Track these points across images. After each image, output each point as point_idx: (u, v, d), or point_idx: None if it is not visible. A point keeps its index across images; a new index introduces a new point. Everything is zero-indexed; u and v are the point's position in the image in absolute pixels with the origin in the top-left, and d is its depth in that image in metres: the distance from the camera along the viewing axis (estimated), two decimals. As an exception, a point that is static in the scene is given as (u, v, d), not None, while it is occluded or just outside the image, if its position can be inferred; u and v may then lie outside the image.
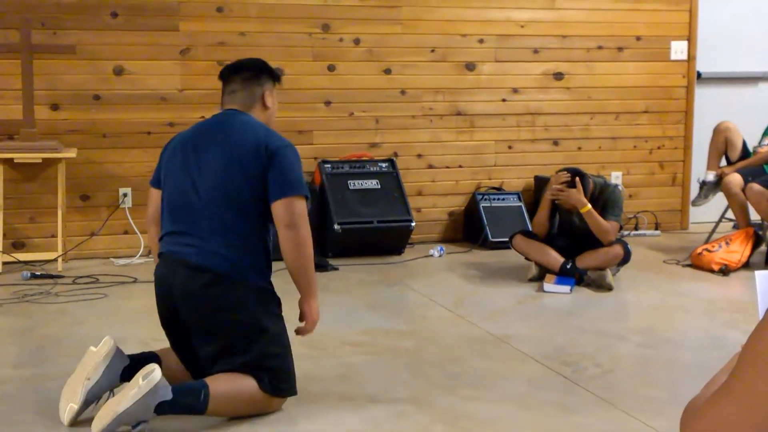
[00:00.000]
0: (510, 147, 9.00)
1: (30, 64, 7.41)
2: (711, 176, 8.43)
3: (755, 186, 7.87)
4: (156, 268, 4.51)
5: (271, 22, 8.24)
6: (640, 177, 9.41)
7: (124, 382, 4.25)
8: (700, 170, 8.83)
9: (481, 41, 8.79)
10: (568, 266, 7.08)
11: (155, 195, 4.67)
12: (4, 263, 7.45)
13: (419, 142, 8.75)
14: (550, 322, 6.31)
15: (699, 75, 9.49)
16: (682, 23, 9.32)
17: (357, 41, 8.46)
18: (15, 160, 7.45)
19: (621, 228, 7.42)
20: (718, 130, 8.51)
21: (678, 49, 9.34)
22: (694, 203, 8.66)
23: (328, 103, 8.37)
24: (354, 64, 8.49)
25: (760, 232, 7.93)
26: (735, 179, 8.07)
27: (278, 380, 4.39)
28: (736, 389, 1.53)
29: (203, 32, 8.09)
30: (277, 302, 4.51)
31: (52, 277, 7.22)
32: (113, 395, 4.24)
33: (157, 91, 8.03)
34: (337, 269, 7.60)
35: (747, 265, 7.67)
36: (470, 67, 8.78)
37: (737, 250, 7.69)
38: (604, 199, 7.14)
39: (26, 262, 7.51)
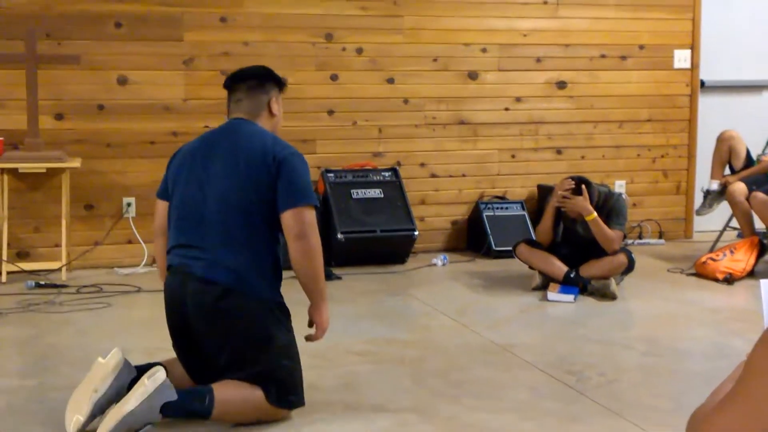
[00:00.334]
0: (513, 156, 9.00)
1: (35, 75, 7.41)
2: (715, 185, 8.43)
3: (759, 195, 7.87)
4: (166, 281, 4.50)
5: (275, 31, 8.25)
6: (643, 186, 9.41)
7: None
8: (704, 179, 8.82)
9: (484, 50, 8.79)
10: (572, 275, 7.08)
11: (161, 206, 4.66)
12: (9, 273, 7.45)
13: (422, 151, 8.75)
14: (554, 331, 6.30)
15: (702, 83, 9.49)
16: (685, 32, 9.33)
17: (360, 50, 8.47)
18: (19, 170, 7.46)
19: (625, 237, 7.41)
20: (721, 139, 8.51)
21: (681, 58, 9.34)
22: (699, 213, 8.64)
23: (331, 112, 8.37)
24: (357, 73, 8.50)
25: (765, 241, 7.92)
26: (739, 188, 8.06)
27: (286, 392, 4.39)
28: (742, 397, 1.53)
29: (207, 42, 8.10)
30: (287, 314, 4.50)
31: (56, 286, 7.22)
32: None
33: (160, 101, 8.03)
34: (340, 278, 7.60)
35: (752, 274, 7.67)
36: (473, 76, 8.79)
37: (742, 259, 7.68)
38: (609, 207, 7.13)
39: (30, 272, 7.51)
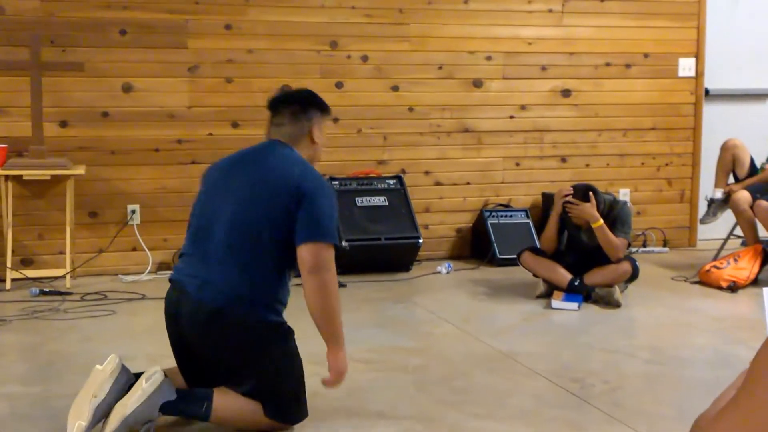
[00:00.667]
0: (517, 164, 9.01)
1: (39, 82, 7.42)
2: (719, 194, 8.43)
3: (763, 203, 7.87)
4: (167, 294, 4.51)
5: (279, 39, 8.25)
6: (647, 194, 9.41)
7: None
8: (708, 187, 8.82)
9: (488, 58, 8.80)
10: (576, 283, 7.08)
11: None
12: (13, 280, 7.45)
13: (427, 158, 8.76)
14: (558, 338, 6.30)
15: (707, 92, 9.49)
16: (689, 40, 9.33)
17: (365, 58, 8.48)
18: (24, 177, 7.46)
19: (629, 245, 7.41)
20: (725, 148, 8.51)
21: (686, 66, 9.34)
22: (703, 221, 8.64)
23: (335, 120, 8.37)
24: (362, 81, 8.50)
25: (769, 249, 7.93)
26: (743, 196, 8.07)
27: (285, 410, 4.37)
28: (745, 405, 1.53)
29: (211, 50, 8.10)
30: (285, 335, 4.41)
31: (60, 293, 7.23)
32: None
33: (165, 109, 8.04)
34: (344, 286, 7.59)
35: (755, 282, 7.67)
36: (478, 84, 8.79)
37: (745, 267, 7.68)
38: (614, 215, 7.13)
39: (35, 279, 7.52)
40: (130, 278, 7.86)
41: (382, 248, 8.10)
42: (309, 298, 4.23)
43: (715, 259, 8.20)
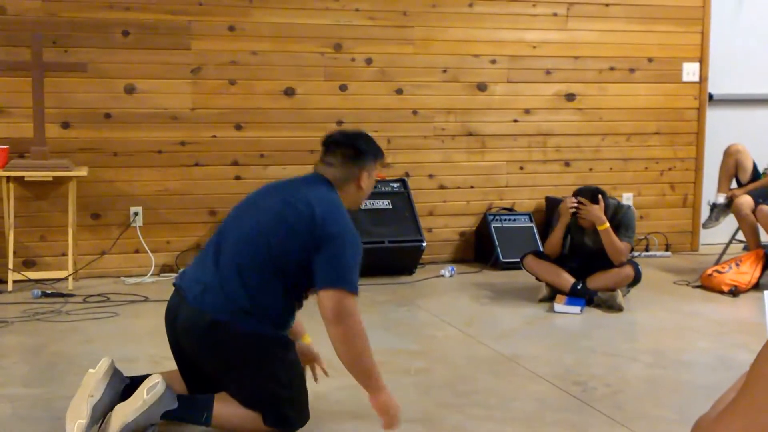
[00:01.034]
0: (521, 168, 9.00)
1: (41, 82, 7.42)
2: (721, 198, 8.44)
3: (765, 208, 7.89)
4: (170, 297, 4.50)
5: (283, 41, 8.25)
6: (651, 198, 9.40)
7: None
8: (711, 192, 8.82)
9: (493, 62, 8.79)
10: (579, 287, 7.08)
11: None
12: (15, 281, 7.45)
13: (431, 162, 8.75)
14: (561, 342, 6.29)
15: (711, 97, 9.49)
16: (694, 45, 9.32)
17: (369, 61, 8.47)
18: (26, 179, 7.46)
19: (632, 249, 7.41)
20: (728, 153, 8.52)
21: (690, 71, 9.33)
22: (705, 226, 8.65)
23: (339, 122, 8.37)
24: (366, 83, 8.50)
25: (771, 254, 7.93)
26: (745, 201, 8.08)
27: (283, 419, 4.35)
28: (744, 407, 1.53)
29: (215, 51, 8.10)
30: (285, 346, 4.37)
31: (62, 295, 7.23)
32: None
33: (168, 110, 8.04)
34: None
35: (757, 287, 7.67)
36: (482, 87, 8.79)
37: (747, 272, 7.69)
38: (618, 220, 7.13)
39: (37, 281, 7.51)
40: (132, 280, 7.86)
41: (386, 251, 8.09)
42: (337, 349, 4.21)
43: (717, 263, 8.20)
